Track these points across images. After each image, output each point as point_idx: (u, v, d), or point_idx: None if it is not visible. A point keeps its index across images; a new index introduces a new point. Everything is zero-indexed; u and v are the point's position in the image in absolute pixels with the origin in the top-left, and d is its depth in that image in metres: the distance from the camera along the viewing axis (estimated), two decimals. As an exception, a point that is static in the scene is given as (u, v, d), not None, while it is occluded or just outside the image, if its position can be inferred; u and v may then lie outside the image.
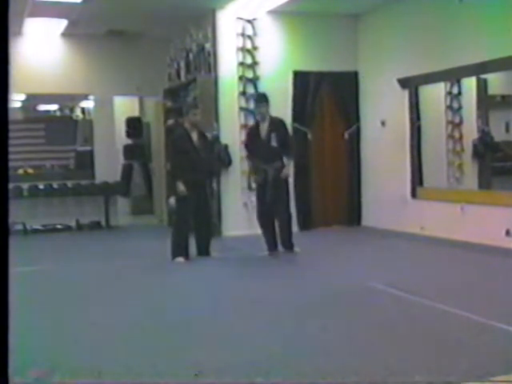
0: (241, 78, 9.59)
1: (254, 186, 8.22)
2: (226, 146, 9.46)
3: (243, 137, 9.51)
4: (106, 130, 11.17)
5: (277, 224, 7.65)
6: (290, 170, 7.90)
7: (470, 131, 9.07)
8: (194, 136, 7.51)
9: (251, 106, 9.55)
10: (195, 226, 7.58)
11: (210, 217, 7.85)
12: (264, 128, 7.66)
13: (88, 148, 11.51)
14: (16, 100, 11.25)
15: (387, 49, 9.56)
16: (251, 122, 9.46)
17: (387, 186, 9.62)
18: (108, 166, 11.11)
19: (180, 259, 7.30)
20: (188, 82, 10.03)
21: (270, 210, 7.62)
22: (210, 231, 7.76)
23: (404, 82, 9.09)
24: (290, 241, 7.67)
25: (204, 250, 7.59)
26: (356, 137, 10.21)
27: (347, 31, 10.07)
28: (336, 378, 3.50)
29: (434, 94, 9.23)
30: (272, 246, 7.62)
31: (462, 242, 7.92)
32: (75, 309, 5.32)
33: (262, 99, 7.78)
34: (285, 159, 7.70)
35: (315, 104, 9.98)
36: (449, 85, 9.05)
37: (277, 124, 7.75)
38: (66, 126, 11.80)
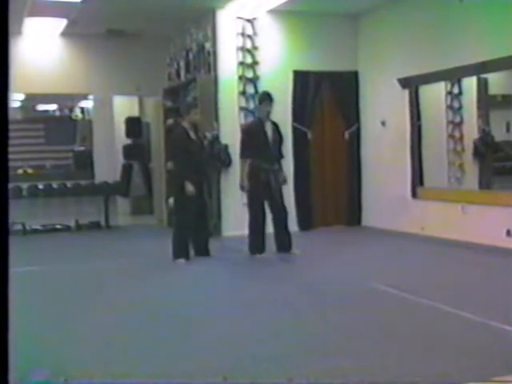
0: (241, 77, 9.57)
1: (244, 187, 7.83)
2: (225, 146, 9.44)
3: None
4: (105, 129, 11.14)
5: (275, 225, 7.64)
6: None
7: (471, 131, 9.05)
8: (193, 135, 7.50)
9: (251, 105, 9.54)
10: (194, 226, 7.56)
11: (208, 217, 7.83)
12: (269, 128, 7.60)
13: (86, 148, 11.50)
14: (15, 100, 11.24)
15: (387, 49, 9.55)
16: (251, 122, 9.47)
17: (387, 186, 9.60)
18: (107, 166, 11.09)
19: (181, 260, 7.28)
20: (188, 81, 10.02)
21: (265, 213, 7.60)
22: (208, 231, 7.74)
23: (404, 82, 9.07)
24: (291, 242, 7.66)
25: (203, 250, 7.57)
26: (356, 137, 10.20)
27: (347, 31, 10.06)
28: (336, 378, 3.49)
29: (435, 94, 9.21)
30: (263, 248, 7.57)
31: (462, 242, 7.91)
32: (75, 309, 5.31)
33: (267, 98, 7.64)
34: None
35: (315, 104, 9.97)
36: (449, 84, 9.03)
37: (277, 126, 7.78)
38: (65, 126, 11.78)
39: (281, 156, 7.78)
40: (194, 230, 7.55)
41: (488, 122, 9.08)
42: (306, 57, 9.87)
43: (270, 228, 7.67)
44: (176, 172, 7.61)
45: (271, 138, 7.58)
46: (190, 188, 7.24)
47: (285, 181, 7.82)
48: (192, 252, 7.50)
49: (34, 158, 11.16)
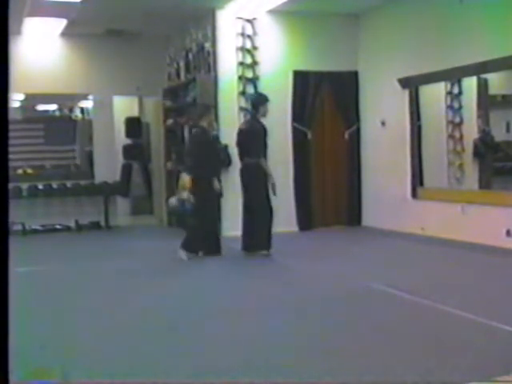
0: (240, 77, 9.57)
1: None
2: (225, 146, 9.43)
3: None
4: (105, 129, 11.15)
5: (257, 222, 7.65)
6: None
7: (471, 131, 9.06)
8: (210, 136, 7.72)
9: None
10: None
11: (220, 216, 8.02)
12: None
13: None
14: (15, 100, 11.22)
15: (387, 49, 9.55)
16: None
17: (387, 186, 9.60)
18: (107, 166, 11.09)
19: (189, 255, 7.31)
20: (188, 81, 10.02)
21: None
22: (219, 230, 7.90)
23: (404, 82, 9.07)
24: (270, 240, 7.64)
25: (214, 250, 7.61)
26: (356, 137, 10.20)
27: (347, 31, 10.06)
28: (336, 378, 3.49)
29: (435, 94, 9.22)
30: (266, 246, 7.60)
31: (462, 242, 7.91)
32: (75, 309, 5.31)
33: (267, 99, 7.80)
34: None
35: (315, 104, 9.97)
36: (449, 84, 9.03)
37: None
38: (65, 126, 11.77)
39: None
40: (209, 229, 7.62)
41: (488, 122, 9.09)
42: (306, 57, 9.87)
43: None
44: (197, 169, 7.47)
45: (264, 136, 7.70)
46: (216, 185, 7.46)
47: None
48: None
49: (33, 158, 11.16)
